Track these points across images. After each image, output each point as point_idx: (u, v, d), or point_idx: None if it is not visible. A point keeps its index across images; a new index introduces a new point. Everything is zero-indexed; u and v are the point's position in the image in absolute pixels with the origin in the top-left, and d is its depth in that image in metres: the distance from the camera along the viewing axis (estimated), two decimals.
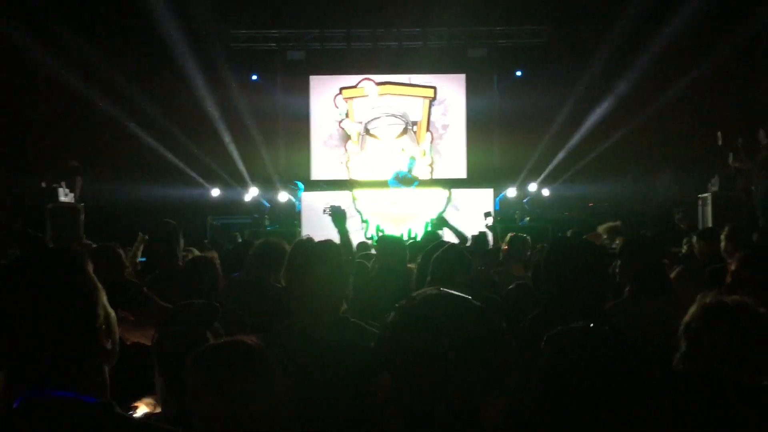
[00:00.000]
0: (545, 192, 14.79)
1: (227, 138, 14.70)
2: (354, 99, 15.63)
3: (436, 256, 3.65)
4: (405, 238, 10.49)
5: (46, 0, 11.73)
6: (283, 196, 14.41)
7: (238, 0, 14.57)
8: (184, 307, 2.35)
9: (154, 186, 13.48)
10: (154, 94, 13.76)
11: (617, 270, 3.53)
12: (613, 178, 14.32)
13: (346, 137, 15.66)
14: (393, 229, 11.98)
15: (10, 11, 11.26)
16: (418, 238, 8.84)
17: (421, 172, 14.93)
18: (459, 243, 5.44)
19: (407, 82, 15.64)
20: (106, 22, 13.38)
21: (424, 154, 15.49)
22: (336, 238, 4.50)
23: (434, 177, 15.26)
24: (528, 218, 13.71)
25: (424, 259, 3.93)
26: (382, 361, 1.36)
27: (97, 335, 1.42)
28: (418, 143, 15.55)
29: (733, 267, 3.35)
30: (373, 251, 6.08)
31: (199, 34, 13.70)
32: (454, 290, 1.43)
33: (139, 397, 2.65)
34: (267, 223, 13.63)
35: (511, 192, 14.40)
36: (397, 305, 1.44)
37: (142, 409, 2.61)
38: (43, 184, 10.71)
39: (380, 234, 11.62)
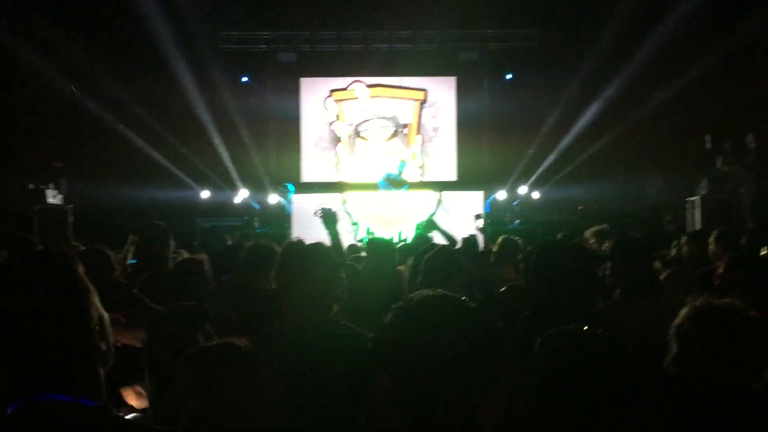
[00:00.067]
0: (535, 195, 14.83)
1: (217, 140, 14.66)
2: (344, 101, 15.63)
3: (427, 258, 3.65)
4: (395, 240, 10.49)
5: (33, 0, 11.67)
6: (273, 198, 14.38)
7: (228, 1, 14.54)
8: (175, 309, 2.34)
9: (144, 188, 13.44)
10: (143, 95, 13.70)
11: (607, 272, 3.54)
12: (602, 181, 14.39)
13: (337, 139, 15.66)
14: (383, 232, 11.98)
15: None
16: (409, 241, 8.84)
17: (412, 175, 14.94)
18: (449, 245, 5.44)
19: (398, 84, 15.66)
20: (94, 23, 13.31)
21: (415, 157, 15.50)
22: (326, 240, 4.50)
23: (424, 179, 15.27)
24: (518, 221, 13.75)
25: (416, 261, 3.93)
26: (380, 362, 1.36)
27: (92, 337, 1.41)
28: (408, 146, 15.56)
29: (721, 269, 3.37)
30: (363, 254, 6.07)
31: (189, 35, 13.65)
32: (449, 292, 1.43)
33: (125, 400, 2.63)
34: (257, 225, 13.60)
35: (501, 195, 14.44)
36: (394, 306, 1.45)
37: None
38: (31, 186, 10.64)
39: (370, 236, 11.62)
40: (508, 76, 16.00)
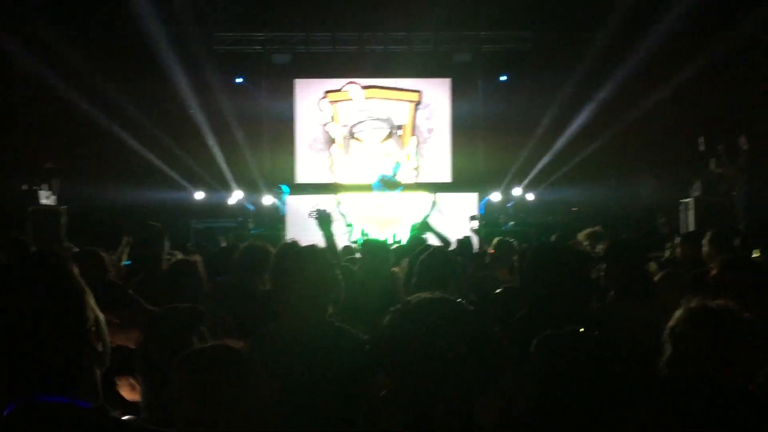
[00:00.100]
0: (529, 196, 14.86)
1: (211, 141, 14.62)
2: (339, 102, 15.62)
3: (422, 259, 3.66)
4: (390, 242, 10.50)
5: None
6: (267, 200, 14.36)
7: (223, 2, 14.52)
8: (170, 310, 2.33)
9: (137, 189, 13.40)
10: (137, 96, 13.67)
11: (602, 273, 3.55)
12: (596, 183, 14.43)
13: (331, 141, 15.65)
14: (378, 233, 11.99)
15: None
16: (403, 242, 8.85)
17: (406, 176, 14.94)
18: (443, 247, 5.44)
19: (392, 86, 15.66)
20: (89, 23, 13.27)
21: (409, 158, 15.51)
22: (321, 241, 4.50)
23: (419, 181, 15.28)
24: (512, 222, 13.78)
25: (412, 262, 3.93)
26: (380, 362, 1.37)
27: (88, 338, 1.40)
28: (403, 147, 15.57)
29: (714, 271, 3.39)
30: (357, 255, 6.07)
31: (183, 35, 13.63)
32: (445, 294, 1.44)
33: (120, 400, 2.63)
34: (251, 226, 13.58)
35: (496, 196, 14.45)
36: (392, 309, 1.45)
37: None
38: (24, 187, 10.60)
39: (365, 238, 11.62)
40: (503, 78, 16.02)
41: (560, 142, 14.69)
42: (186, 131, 14.32)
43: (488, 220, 13.20)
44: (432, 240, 6.16)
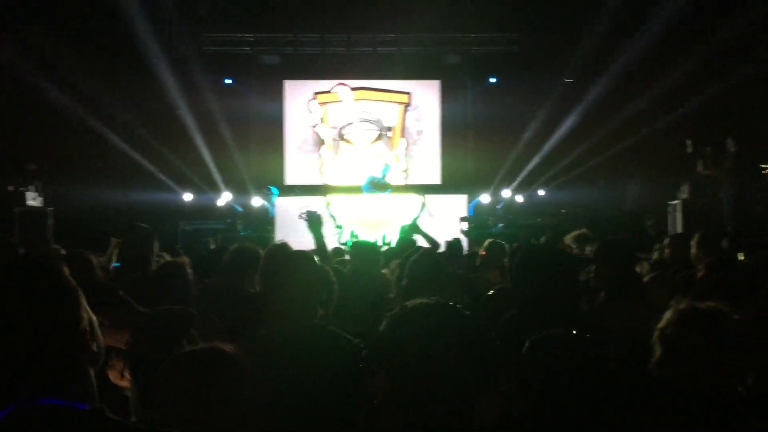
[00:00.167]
0: (518, 198, 14.90)
1: (200, 142, 14.56)
2: (328, 104, 15.61)
3: (412, 261, 3.65)
4: (379, 243, 10.49)
5: None
6: (256, 201, 14.32)
7: (211, 3, 14.47)
8: (161, 312, 2.32)
9: (125, 190, 13.33)
10: (125, 96, 13.60)
11: (592, 274, 3.56)
12: (585, 185, 14.50)
13: (321, 142, 15.63)
14: (367, 235, 11.98)
15: None
16: (393, 244, 8.84)
17: (396, 178, 14.95)
18: (432, 249, 5.45)
19: (382, 87, 15.66)
20: (74, 22, 13.16)
21: (399, 160, 15.51)
22: (310, 243, 4.49)
23: (408, 183, 15.29)
24: (501, 224, 13.81)
25: (402, 264, 3.93)
26: (379, 364, 1.37)
27: (83, 338, 1.39)
28: (392, 149, 15.57)
29: (701, 273, 3.41)
30: (347, 257, 6.06)
31: (171, 36, 13.57)
32: (438, 296, 1.45)
33: (111, 400, 2.60)
34: (240, 228, 13.53)
35: (485, 198, 14.48)
36: (389, 314, 1.46)
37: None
38: (11, 188, 10.52)
39: (354, 239, 11.61)
40: (492, 80, 16.06)
41: (549, 144, 14.74)
42: (174, 132, 14.25)
43: (477, 221, 13.23)
44: (421, 242, 6.16)
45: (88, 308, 1.43)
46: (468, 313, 1.41)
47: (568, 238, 6.46)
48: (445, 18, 13.92)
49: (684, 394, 1.99)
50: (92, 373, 1.42)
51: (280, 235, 11.83)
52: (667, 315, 2.23)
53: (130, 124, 13.66)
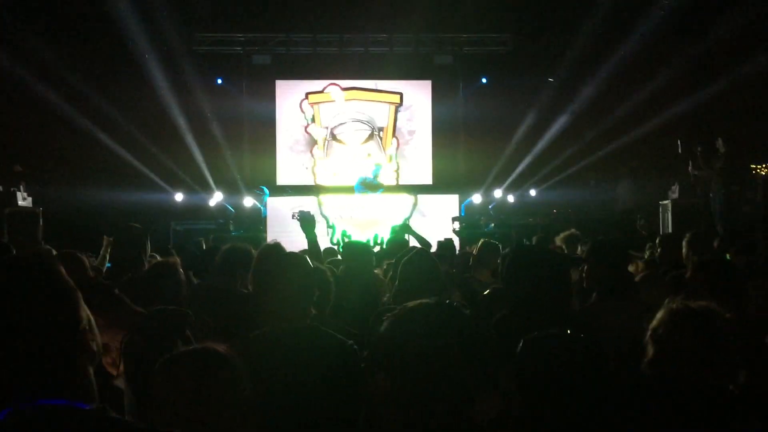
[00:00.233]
0: (510, 198, 14.93)
1: (191, 142, 14.51)
2: (320, 104, 15.58)
3: (405, 261, 3.66)
4: (371, 243, 10.50)
5: None
6: (248, 202, 14.28)
7: (203, 3, 14.42)
8: (158, 312, 2.31)
9: (116, 191, 13.26)
10: (115, 96, 13.54)
11: (584, 274, 3.57)
12: (576, 185, 14.54)
13: (312, 142, 15.60)
14: (359, 235, 11.98)
15: None
16: (385, 244, 8.85)
17: (387, 178, 14.94)
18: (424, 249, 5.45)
19: (373, 87, 15.65)
20: (64, 21, 13.08)
21: (390, 160, 15.51)
22: (302, 243, 4.48)
23: (400, 183, 15.29)
24: (493, 224, 13.83)
25: (395, 265, 3.94)
26: (379, 364, 1.38)
27: (83, 338, 1.39)
28: (384, 149, 15.57)
29: (688, 273, 3.44)
30: (339, 257, 6.06)
31: (162, 35, 13.51)
32: (432, 297, 1.46)
33: (106, 397, 2.59)
34: (232, 228, 13.49)
35: (477, 198, 14.50)
36: (389, 314, 1.46)
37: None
38: (0, 188, 10.45)
39: (346, 240, 11.61)
40: (483, 81, 16.09)
41: (540, 145, 14.78)
42: (165, 132, 14.20)
43: (469, 221, 13.25)
44: (413, 242, 6.17)
45: (85, 307, 1.43)
46: (468, 312, 1.41)
47: (559, 239, 6.49)
48: (436, 18, 13.94)
49: (676, 393, 2.00)
50: (92, 372, 1.41)
51: (272, 235, 11.80)
52: (659, 315, 2.24)
53: (120, 124, 13.59)
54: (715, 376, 2.07)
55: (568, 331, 1.69)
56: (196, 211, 14.36)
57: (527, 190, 15.07)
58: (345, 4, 14.17)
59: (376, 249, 7.22)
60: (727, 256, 5.26)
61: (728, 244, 6.33)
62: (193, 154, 14.60)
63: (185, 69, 14.31)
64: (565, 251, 6.05)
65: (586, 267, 3.55)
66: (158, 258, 5.03)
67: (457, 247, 8.43)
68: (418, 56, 15.75)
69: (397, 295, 3.55)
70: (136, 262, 4.30)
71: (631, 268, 4.42)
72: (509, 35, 15.39)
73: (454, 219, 9.32)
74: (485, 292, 3.85)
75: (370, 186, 13.98)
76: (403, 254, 3.93)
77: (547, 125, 14.68)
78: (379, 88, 15.65)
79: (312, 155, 15.56)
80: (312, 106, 15.57)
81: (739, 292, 3.24)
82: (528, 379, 1.62)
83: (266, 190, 14.09)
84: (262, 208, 13.89)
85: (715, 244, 6.06)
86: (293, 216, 4.54)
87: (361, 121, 15.53)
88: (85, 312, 1.41)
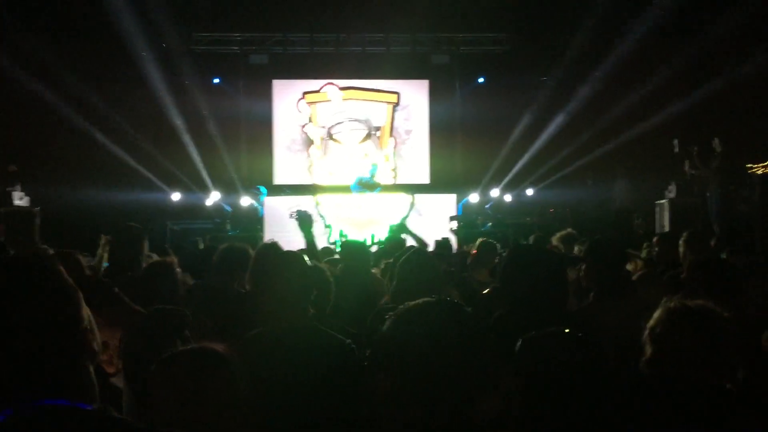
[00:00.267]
0: (507, 198, 14.94)
1: (188, 141, 14.50)
2: (317, 103, 15.58)
3: (403, 260, 3.65)
4: (368, 243, 10.49)
5: None
6: (245, 201, 14.27)
7: (200, 2, 14.40)
8: (157, 312, 2.31)
9: (112, 190, 13.23)
10: (112, 96, 13.51)
11: (582, 273, 3.57)
12: (573, 185, 14.56)
13: (309, 142, 15.60)
14: (356, 234, 11.97)
15: None
16: (382, 244, 8.84)
17: (384, 178, 14.94)
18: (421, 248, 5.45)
19: (370, 87, 15.65)
20: (61, 20, 13.05)
21: (388, 159, 15.51)
22: (300, 243, 4.48)
23: (397, 182, 15.29)
24: (490, 223, 13.84)
25: (393, 264, 3.93)
26: (381, 364, 1.37)
27: (85, 337, 1.38)
28: (381, 148, 15.57)
29: (684, 273, 3.45)
30: (337, 256, 6.06)
31: (159, 35, 13.49)
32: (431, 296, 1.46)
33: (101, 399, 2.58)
34: (228, 228, 13.48)
35: (474, 197, 14.51)
36: (390, 314, 1.46)
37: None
38: None
39: (344, 239, 11.60)
40: (480, 80, 16.09)
41: (537, 144, 14.79)
42: (162, 132, 14.18)
43: (466, 221, 13.25)
44: (410, 241, 6.17)
45: (86, 307, 1.42)
46: (469, 310, 1.41)
47: (555, 239, 6.49)
48: (433, 18, 13.93)
49: (675, 392, 2.00)
50: (92, 371, 1.40)
51: (269, 234, 11.79)
52: (657, 314, 2.24)
53: (117, 123, 13.57)
54: (714, 375, 2.07)
55: (567, 330, 1.68)
56: (192, 211, 14.34)
57: (524, 190, 15.08)
58: (342, 3, 14.16)
59: (374, 249, 7.22)
60: (723, 256, 5.28)
61: (725, 243, 6.35)
62: (190, 154, 14.58)
63: (182, 68, 14.30)
64: (562, 251, 6.05)
65: (584, 266, 3.55)
66: (155, 257, 5.02)
67: (454, 247, 8.43)
68: (415, 56, 15.74)
69: (395, 295, 3.55)
70: (134, 261, 4.29)
71: (630, 267, 4.43)
72: (506, 35, 15.40)
73: (451, 218, 9.31)
74: (484, 291, 3.85)
75: (366, 185, 13.97)
76: (401, 254, 3.93)
77: (544, 125, 14.69)
78: (376, 87, 15.65)
79: (309, 155, 15.56)
80: (309, 106, 15.57)
81: (735, 292, 3.25)
82: (526, 378, 1.62)
83: (263, 190, 14.09)
84: (259, 207, 13.88)
85: (712, 243, 6.07)
86: (291, 215, 4.53)
87: (358, 121, 15.53)
88: (86, 311, 1.41)
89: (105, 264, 5.14)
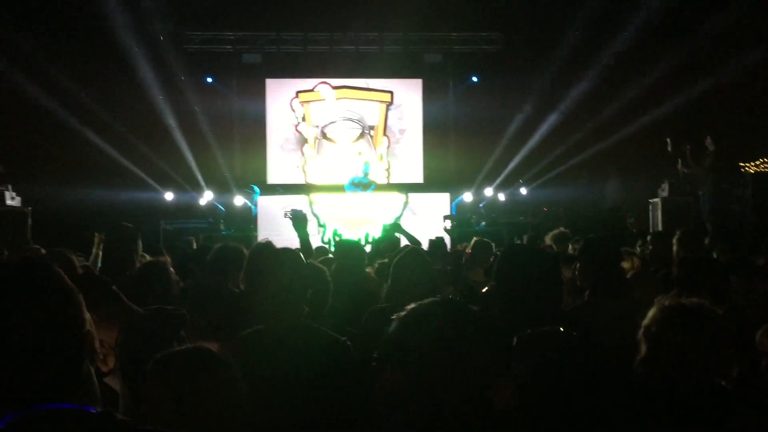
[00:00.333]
0: (501, 197, 14.96)
1: (181, 141, 14.45)
2: (311, 103, 15.56)
3: (397, 260, 3.65)
4: (363, 242, 10.47)
5: None
6: (238, 200, 14.24)
7: (193, 1, 14.35)
8: (156, 312, 2.30)
9: (105, 190, 13.18)
10: (105, 95, 13.46)
11: (577, 272, 3.58)
12: (566, 183, 14.58)
13: (303, 141, 15.58)
14: (350, 234, 11.96)
15: None
16: (376, 243, 8.83)
17: (378, 177, 14.93)
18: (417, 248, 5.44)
19: (364, 86, 15.64)
20: (53, 19, 12.98)
21: (381, 159, 15.51)
22: (293, 242, 4.47)
23: (391, 181, 15.28)
24: (484, 222, 13.85)
25: (388, 264, 3.93)
26: (389, 361, 1.37)
27: (87, 339, 1.37)
28: (374, 147, 15.56)
29: (675, 271, 3.46)
30: (331, 256, 6.05)
31: (152, 33, 13.45)
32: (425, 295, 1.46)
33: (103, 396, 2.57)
34: (222, 227, 13.45)
35: (468, 196, 14.52)
36: (396, 314, 1.46)
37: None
38: None
39: (338, 238, 11.58)
40: (474, 79, 16.10)
41: (531, 143, 14.82)
42: (155, 131, 14.13)
43: (460, 220, 13.25)
44: (404, 241, 6.16)
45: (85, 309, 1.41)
46: (476, 308, 1.41)
47: (548, 238, 6.50)
48: (427, 17, 13.93)
49: (670, 390, 2.01)
50: (93, 372, 1.39)
51: (263, 234, 11.79)
52: (652, 312, 2.24)
53: (110, 123, 13.52)
54: (708, 372, 2.08)
55: (561, 329, 1.69)
56: (186, 210, 14.30)
57: (518, 189, 15.10)
58: (335, 2, 14.14)
59: (368, 248, 7.21)
60: (714, 255, 5.30)
61: (717, 242, 6.35)
62: (183, 153, 14.54)
63: (175, 67, 14.25)
64: (555, 250, 6.06)
65: (578, 265, 3.55)
66: (148, 257, 5.01)
67: (448, 246, 8.43)
68: (409, 55, 15.74)
69: (389, 294, 3.55)
70: (128, 261, 4.28)
71: (626, 265, 4.43)
72: (500, 34, 15.42)
73: (445, 217, 9.30)
74: (484, 290, 3.85)
75: (361, 185, 13.97)
76: (395, 253, 3.93)
77: (537, 123, 14.71)
78: (369, 86, 15.64)
79: (302, 154, 15.54)
80: (302, 105, 15.54)
81: (724, 289, 3.26)
82: (522, 376, 1.62)
83: (257, 189, 14.06)
84: (252, 206, 13.86)
85: (705, 241, 6.08)
86: (285, 214, 4.52)
87: (352, 120, 15.51)
88: (87, 313, 1.40)
89: (99, 264, 5.13)
